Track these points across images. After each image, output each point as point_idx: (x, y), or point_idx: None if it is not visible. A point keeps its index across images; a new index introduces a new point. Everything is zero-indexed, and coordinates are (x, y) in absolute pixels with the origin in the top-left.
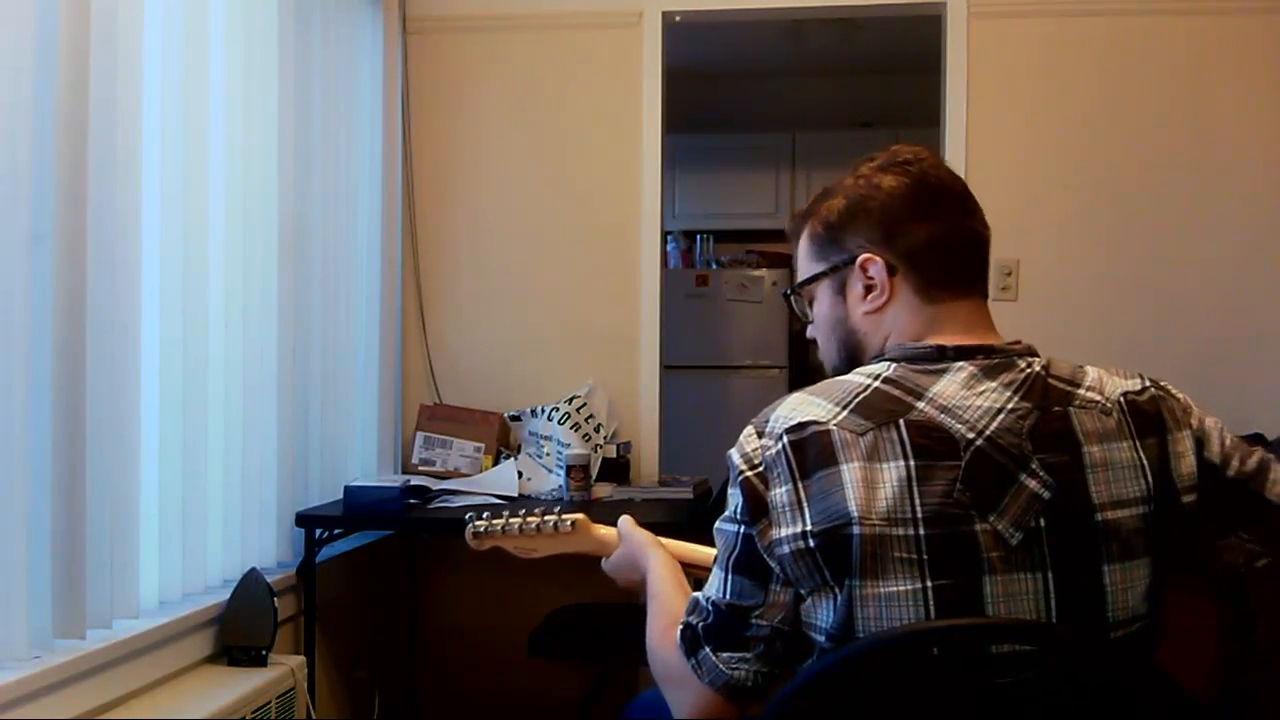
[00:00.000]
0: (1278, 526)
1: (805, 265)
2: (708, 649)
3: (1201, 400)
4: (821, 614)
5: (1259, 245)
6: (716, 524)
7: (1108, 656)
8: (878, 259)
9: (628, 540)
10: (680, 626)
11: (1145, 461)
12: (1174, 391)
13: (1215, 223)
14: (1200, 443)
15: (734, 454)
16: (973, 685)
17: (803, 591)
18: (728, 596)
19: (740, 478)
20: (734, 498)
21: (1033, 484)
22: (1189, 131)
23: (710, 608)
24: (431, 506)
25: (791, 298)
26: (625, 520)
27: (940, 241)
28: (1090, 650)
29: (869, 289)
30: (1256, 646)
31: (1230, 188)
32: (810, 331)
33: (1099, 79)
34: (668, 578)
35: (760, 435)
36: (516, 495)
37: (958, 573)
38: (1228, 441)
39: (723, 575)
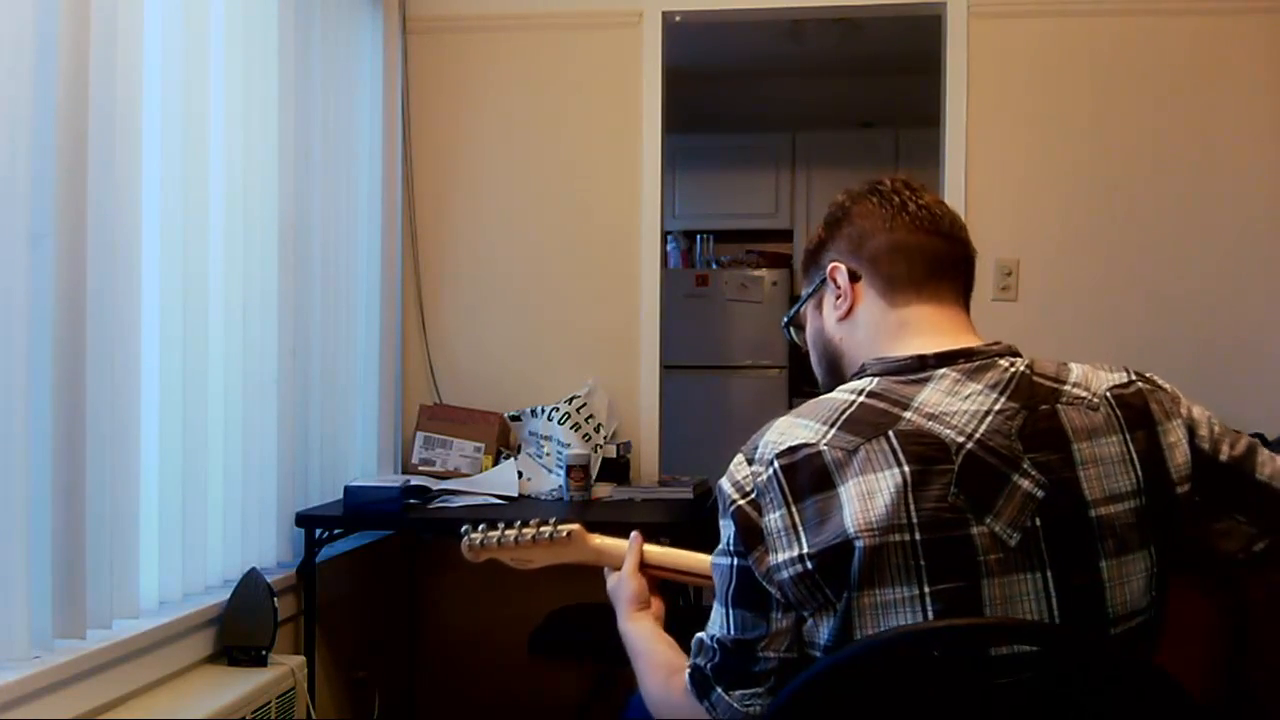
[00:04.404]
0: (1269, 506)
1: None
2: (719, 689)
3: (1201, 399)
4: (822, 631)
5: (1259, 245)
6: (712, 559)
7: (1109, 656)
8: (841, 266)
9: (622, 584)
10: (689, 669)
11: (1135, 454)
12: (1160, 383)
13: (1215, 222)
14: (1191, 431)
15: (724, 483)
16: (973, 688)
17: (805, 614)
18: (732, 632)
19: (732, 507)
20: (726, 529)
21: (1026, 484)
22: (1189, 131)
23: (716, 646)
24: (431, 507)
25: (791, 330)
26: (630, 560)
27: (901, 246)
28: (1091, 651)
29: (838, 297)
30: (1253, 642)
31: (1230, 187)
32: (810, 351)
33: (1099, 79)
34: (646, 634)
35: (750, 462)
36: (516, 495)
37: (956, 577)
38: (1216, 429)
39: (724, 611)
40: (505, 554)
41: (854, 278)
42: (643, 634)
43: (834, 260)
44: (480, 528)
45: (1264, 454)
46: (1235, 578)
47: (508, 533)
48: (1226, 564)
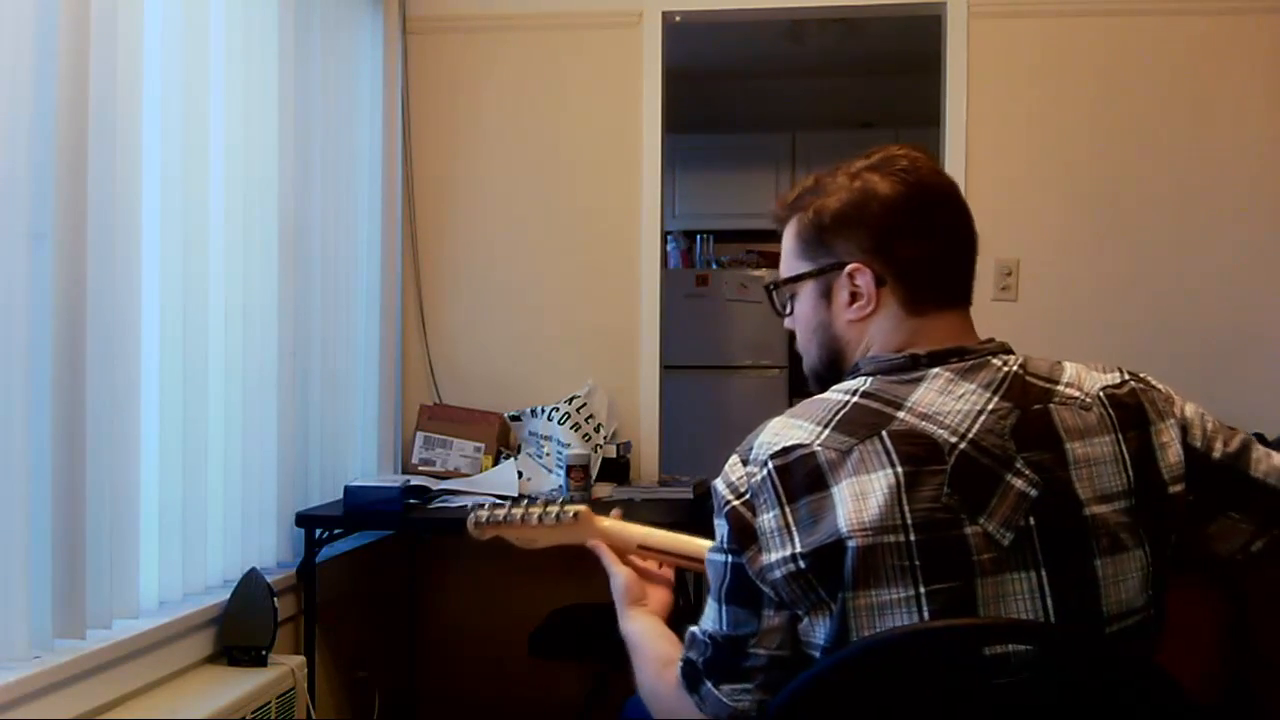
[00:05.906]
0: (1266, 503)
1: (790, 262)
2: (709, 684)
3: (1201, 399)
4: (818, 631)
5: (1259, 245)
6: (707, 555)
7: (1106, 655)
8: (867, 270)
9: (611, 580)
10: (680, 663)
11: (1127, 455)
12: (1154, 383)
13: (1215, 222)
14: (1184, 429)
15: (719, 484)
16: (971, 688)
17: (800, 612)
18: (724, 628)
19: (727, 507)
20: (720, 528)
21: (1019, 483)
22: (1189, 131)
23: (708, 641)
24: (431, 506)
25: (773, 292)
26: (606, 557)
27: (932, 257)
28: (1088, 649)
29: (854, 297)
30: (1252, 639)
31: (1230, 187)
32: (788, 324)
33: (1099, 79)
34: (644, 630)
35: (745, 463)
36: (516, 495)
37: (951, 577)
38: (1209, 426)
39: (717, 607)
40: (511, 532)
41: (879, 283)
42: (638, 630)
43: (855, 258)
44: (487, 505)
45: (1258, 450)
46: (1233, 575)
47: (514, 511)
48: (1224, 566)
